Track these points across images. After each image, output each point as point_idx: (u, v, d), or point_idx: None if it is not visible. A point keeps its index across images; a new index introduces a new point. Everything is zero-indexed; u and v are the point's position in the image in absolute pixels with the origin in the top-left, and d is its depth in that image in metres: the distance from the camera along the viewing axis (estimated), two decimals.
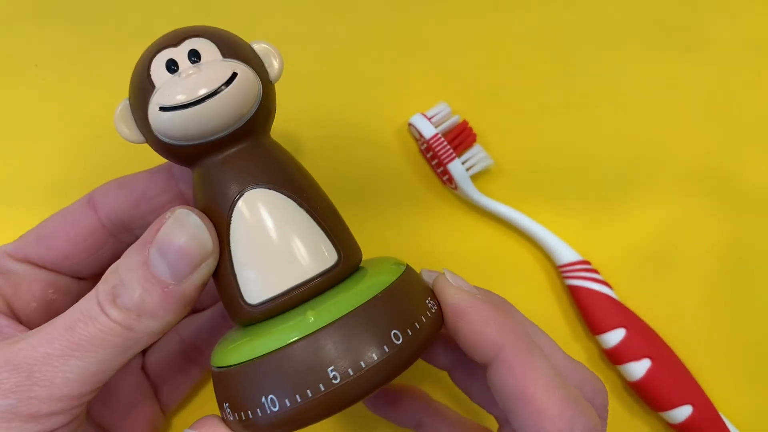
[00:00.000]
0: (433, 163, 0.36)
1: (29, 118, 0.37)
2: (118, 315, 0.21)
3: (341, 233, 0.24)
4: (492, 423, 0.27)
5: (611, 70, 0.38)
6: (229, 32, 0.23)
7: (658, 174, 0.37)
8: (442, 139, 0.34)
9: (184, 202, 0.27)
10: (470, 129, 0.35)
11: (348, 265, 0.23)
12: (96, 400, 0.26)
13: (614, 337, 0.33)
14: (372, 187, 0.36)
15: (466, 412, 0.30)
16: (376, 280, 0.22)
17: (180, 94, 0.21)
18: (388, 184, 0.37)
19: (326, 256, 0.23)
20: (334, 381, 0.20)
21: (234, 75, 0.21)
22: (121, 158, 0.32)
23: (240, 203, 0.22)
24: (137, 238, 0.22)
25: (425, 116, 0.35)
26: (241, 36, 0.24)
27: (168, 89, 0.21)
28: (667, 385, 0.33)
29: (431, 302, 0.23)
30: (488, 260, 0.36)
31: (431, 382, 0.34)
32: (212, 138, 0.22)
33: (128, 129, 0.23)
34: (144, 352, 0.32)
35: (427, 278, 0.25)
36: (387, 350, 0.21)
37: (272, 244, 0.22)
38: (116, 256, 0.23)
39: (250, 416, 0.21)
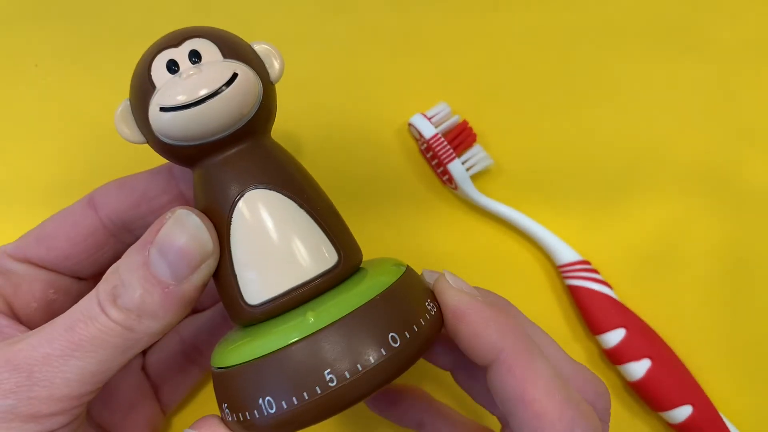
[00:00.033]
0: (433, 163, 0.36)
1: (29, 118, 0.37)
2: (118, 315, 0.21)
3: (341, 234, 0.24)
4: (495, 424, 0.27)
5: (611, 70, 0.38)
6: (229, 33, 0.23)
7: (658, 174, 0.37)
8: (442, 139, 0.34)
9: (185, 202, 0.27)
10: (470, 129, 0.35)
11: (348, 265, 0.23)
12: (96, 401, 0.26)
13: (614, 337, 0.33)
14: (372, 187, 0.36)
15: (468, 413, 0.30)
16: (377, 281, 0.22)
17: (181, 94, 0.21)
18: (388, 184, 0.37)
19: (326, 257, 0.23)
20: (333, 383, 0.20)
21: (234, 75, 0.21)
22: (122, 158, 0.32)
23: (240, 204, 0.22)
24: (138, 238, 0.22)
25: (425, 116, 0.35)
26: (241, 36, 0.24)
27: (168, 90, 0.21)
28: (667, 385, 0.33)
29: (431, 304, 0.23)
30: (488, 260, 0.36)
31: (433, 382, 0.34)
32: (213, 138, 0.22)
33: (129, 129, 0.23)
34: (144, 352, 0.32)
35: (429, 279, 0.25)
36: (386, 352, 0.20)
37: (272, 244, 0.22)
38: (117, 257, 0.23)
39: (249, 417, 0.21)
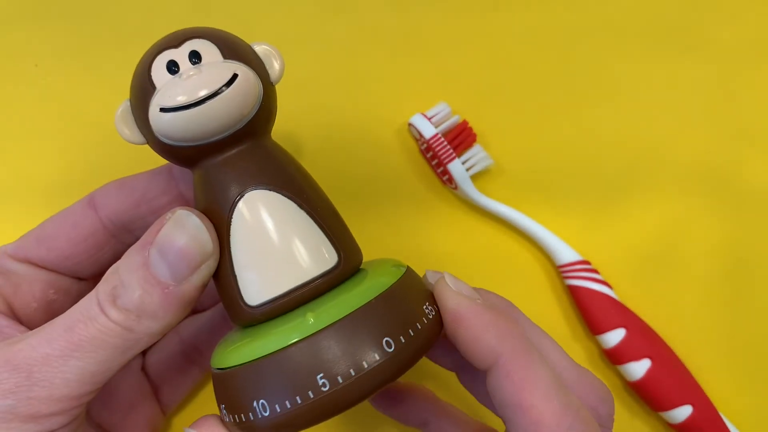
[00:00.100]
0: (433, 163, 0.36)
1: (29, 118, 0.37)
2: (117, 316, 0.21)
3: (342, 235, 0.24)
4: (500, 425, 0.27)
5: (611, 70, 0.38)
6: (229, 33, 0.23)
7: (658, 174, 0.37)
8: (442, 139, 0.34)
9: (185, 203, 0.27)
10: (470, 129, 0.35)
11: (348, 266, 0.23)
12: (96, 401, 0.26)
13: (614, 337, 0.33)
14: (372, 187, 0.36)
15: (473, 413, 0.30)
16: (376, 282, 0.22)
17: (181, 95, 0.21)
18: (388, 184, 0.37)
19: (326, 258, 0.23)
20: (332, 384, 0.20)
21: (235, 76, 0.21)
22: (122, 159, 0.32)
23: (240, 204, 0.22)
24: (138, 238, 0.22)
25: (425, 116, 0.35)
26: (241, 36, 0.24)
27: (169, 90, 0.21)
28: (667, 385, 0.33)
29: (430, 306, 0.23)
30: (488, 260, 0.36)
31: (438, 382, 0.34)
32: (213, 139, 0.22)
33: (129, 130, 0.23)
34: (144, 352, 0.32)
35: (432, 279, 0.25)
36: (385, 354, 0.20)
37: (272, 245, 0.22)
38: (117, 257, 0.23)
39: (248, 418, 0.21)
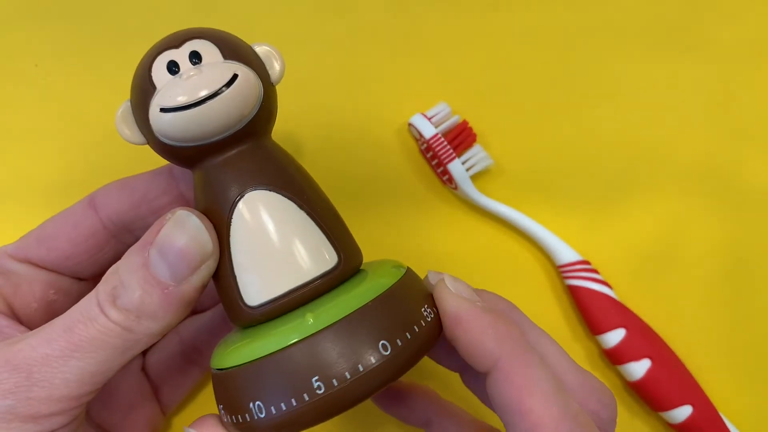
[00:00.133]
0: (433, 163, 0.36)
1: (29, 118, 0.37)
2: (117, 316, 0.21)
3: (342, 235, 0.24)
4: (502, 425, 0.27)
5: (611, 70, 0.38)
6: (230, 34, 0.23)
7: (658, 174, 0.37)
8: (442, 139, 0.34)
9: (185, 203, 0.27)
10: (470, 129, 0.35)
11: (348, 267, 0.23)
12: (96, 401, 0.26)
13: (614, 337, 0.33)
14: (372, 187, 0.36)
15: (476, 412, 0.30)
16: (376, 283, 0.22)
17: (181, 95, 0.21)
18: (388, 184, 0.37)
19: (326, 258, 0.23)
20: (331, 385, 0.20)
21: (235, 76, 0.21)
22: (122, 159, 0.32)
23: (240, 205, 0.22)
24: (138, 239, 0.22)
25: (425, 116, 0.35)
26: (240, 36, 0.24)
27: (169, 90, 0.21)
28: (667, 385, 0.33)
29: (430, 308, 0.23)
30: (488, 260, 0.36)
31: (441, 381, 0.34)
32: (213, 139, 0.22)
33: (129, 130, 0.23)
34: (144, 352, 0.32)
35: (433, 280, 0.24)
36: (384, 355, 0.20)
37: (272, 245, 0.22)
38: (117, 257, 0.23)
39: (246, 419, 0.21)
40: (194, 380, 0.33)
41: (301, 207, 0.23)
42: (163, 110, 0.21)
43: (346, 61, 0.38)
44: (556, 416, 0.20)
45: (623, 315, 0.34)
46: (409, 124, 0.36)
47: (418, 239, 0.36)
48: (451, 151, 0.34)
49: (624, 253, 0.36)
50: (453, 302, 0.22)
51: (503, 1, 0.39)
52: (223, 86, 0.21)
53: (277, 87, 0.24)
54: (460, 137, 0.35)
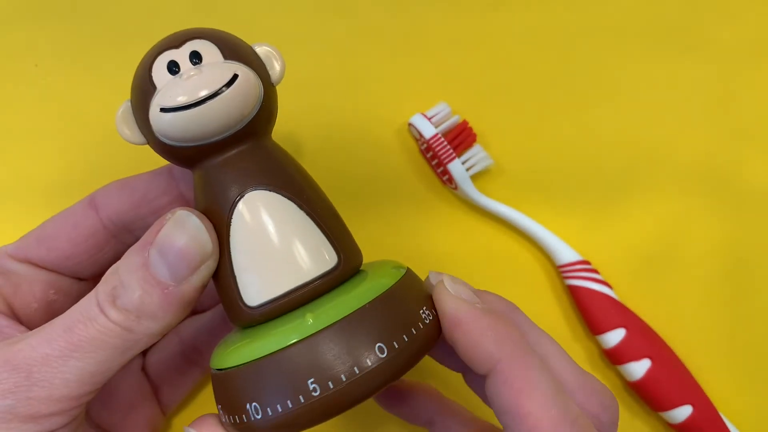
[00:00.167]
0: (433, 163, 0.36)
1: (29, 118, 0.37)
2: (117, 316, 0.21)
3: (342, 236, 0.24)
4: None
5: (611, 70, 0.38)
6: (230, 34, 0.23)
7: (658, 174, 0.37)
8: (442, 139, 0.34)
9: (185, 203, 0.27)
10: (470, 129, 0.35)
11: (348, 267, 0.23)
12: (96, 401, 0.26)
13: (614, 337, 0.33)
14: (372, 187, 0.36)
15: (479, 411, 0.30)
16: (375, 283, 0.22)
17: (181, 95, 0.21)
18: (388, 184, 0.37)
19: (326, 259, 0.23)
20: (328, 386, 0.20)
21: (235, 77, 0.21)
22: (122, 159, 0.33)
23: (240, 205, 0.22)
24: (138, 239, 0.22)
25: (425, 116, 0.35)
26: (240, 36, 0.24)
27: (169, 90, 0.21)
28: (667, 385, 0.33)
29: (429, 309, 0.23)
30: (488, 260, 0.36)
31: (444, 380, 0.34)
32: (213, 139, 0.22)
33: (129, 130, 0.23)
34: (144, 353, 0.32)
35: (434, 281, 0.24)
36: (382, 356, 0.20)
37: (272, 246, 0.22)
38: (117, 257, 0.23)
39: (245, 419, 0.21)
40: (194, 380, 0.33)
41: (301, 207, 0.23)
42: (163, 110, 0.21)
43: (346, 61, 0.38)
44: (555, 419, 0.20)
45: (623, 315, 0.34)
46: (409, 124, 0.36)
47: (418, 239, 0.36)
48: (451, 151, 0.34)
49: (624, 253, 0.36)
50: (452, 304, 0.22)
51: (503, 1, 0.39)
52: (223, 86, 0.21)
53: (277, 87, 0.24)
54: (460, 137, 0.35)
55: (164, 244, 0.21)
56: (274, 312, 0.22)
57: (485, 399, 0.26)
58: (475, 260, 0.36)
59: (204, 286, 0.23)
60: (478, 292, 0.25)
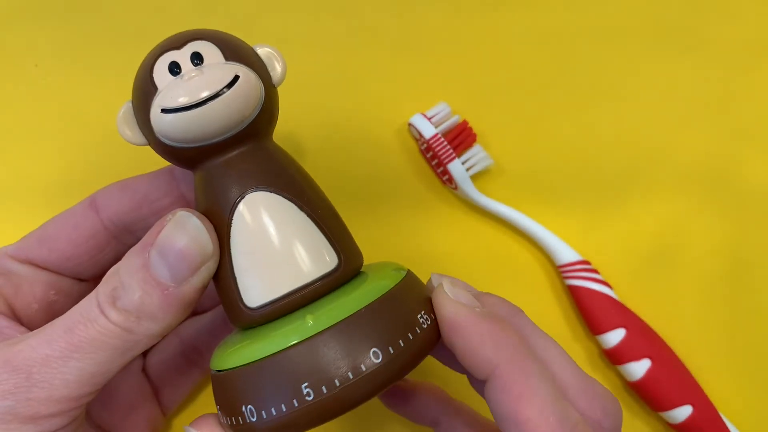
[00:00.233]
0: (433, 163, 0.36)
1: (29, 118, 0.37)
2: (117, 317, 0.21)
3: (342, 237, 0.24)
4: None
5: (611, 70, 0.38)
6: (232, 35, 0.23)
7: (658, 174, 0.37)
8: (442, 139, 0.34)
9: (186, 204, 0.27)
10: (470, 129, 0.35)
11: (348, 269, 0.23)
12: (96, 402, 0.26)
13: (614, 337, 0.33)
14: (372, 187, 0.36)
15: (486, 412, 0.30)
16: (376, 285, 0.22)
17: (182, 96, 0.21)
18: (388, 184, 0.37)
19: (327, 260, 0.23)
20: (326, 389, 0.20)
21: (236, 78, 0.21)
22: (122, 159, 0.33)
23: (241, 206, 0.22)
24: (139, 240, 0.22)
25: (425, 116, 0.35)
26: (240, 37, 0.24)
27: (170, 91, 0.21)
28: (667, 385, 0.33)
29: (428, 313, 0.23)
30: (488, 260, 0.36)
31: (451, 380, 0.34)
32: (214, 140, 0.22)
33: (131, 131, 0.23)
34: (145, 353, 0.32)
35: (436, 283, 0.24)
36: (381, 359, 0.20)
37: (272, 247, 0.22)
38: (118, 258, 0.23)
39: (240, 422, 0.21)
40: (194, 381, 0.33)
41: (301, 208, 0.23)
42: (164, 111, 0.21)
43: (346, 61, 0.38)
44: (554, 426, 0.20)
45: (623, 315, 0.34)
46: (409, 124, 0.36)
47: (418, 239, 0.36)
48: (451, 151, 0.34)
49: (624, 253, 0.36)
50: (450, 308, 0.22)
51: (503, 1, 0.39)
52: (224, 87, 0.21)
53: (277, 87, 0.24)
54: (460, 137, 0.35)
55: (165, 245, 0.21)
56: (274, 313, 0.22)
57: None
58: (475, 260, 0.36)
59: (204, 287, 0.23)
60: (480, 295, 0.24)
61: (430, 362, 0.26)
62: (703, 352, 0.35)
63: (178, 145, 0.22)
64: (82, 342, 0.21)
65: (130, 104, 0.23)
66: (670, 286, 0.36)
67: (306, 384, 0.20)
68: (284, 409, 0.20)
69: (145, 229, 0.23)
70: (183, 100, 0.21)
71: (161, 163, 0.25)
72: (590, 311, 0.34)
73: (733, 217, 0.37)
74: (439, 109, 0.36)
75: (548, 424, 0.20)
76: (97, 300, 0.21)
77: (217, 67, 0.22)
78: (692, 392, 0.33)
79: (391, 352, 0.21)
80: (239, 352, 0.22)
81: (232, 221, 0.22)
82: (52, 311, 0.27)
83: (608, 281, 0.35)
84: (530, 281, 0.36)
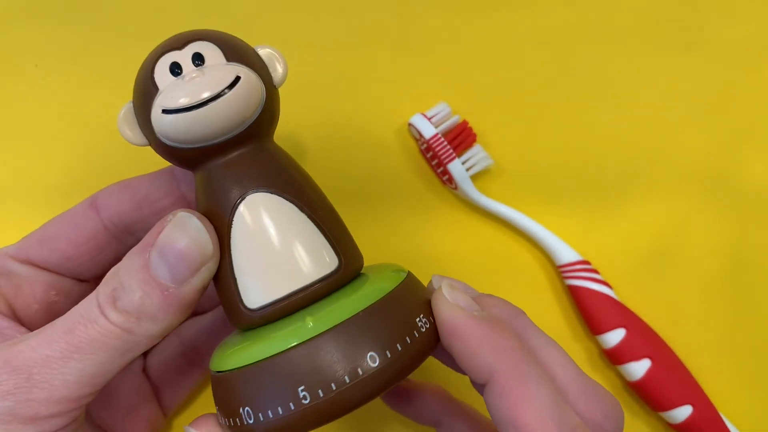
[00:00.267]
0: (433, 163, 0.36)
1: (29, 118, 0.37)
2: (117, 318, 0.21)
3: (342, 239, 0.24)
4: None
5: (611, 70, 0.38)
6: (233, 36, 0.23)
7: (658, 174, 0.37)
8: (442, 139, 0.34)
9: (187, 205, 0.27)
10: (470, 129, 0.35)
11: (349, 270, 0.23)
12: (96, 402, 0.26)
13: (614, 337, 0.33)
14: (372, 188, 0.36)
15: (487, 411, 0.30)
16: (376, 287, 0.22)
17: (183, 96, 0.21)
18: (388, 184, 0.37)
19: (327, 262, 0.23)
20: (322, 393, 0.20)
21: (237, 79, 0.21)
22: (122, 159, 0.33)
23: (241, 207, 0.22)
24: (139, 240, 0.22)
25: (425, 116, 0.35)
26: (240, 37, 0.24)
27: (171, 92, 0.21)
28: (667, 385, 0.33)
29: (427, 317, 0.23)
30: (488, 260, 0.36)
31: (451, 380, 0.34)
32: (215, 141, 0.22)
33: (131, 132, 0.23)
34: (145, 354, 0.32)
35: (437, 285, 0.24)
36: (380, 362, 0.20)
37: (273, 248, 0.22)
38: (118, 259, 0.23)
39: (237, 423, 0.21)
40: (195, 382, 0.33)
41: (302, 210, 0.23)
42: (165, 111, 0.21)
43: (346, 61, 0.38)
44: (553, 430, 0.20)
45: (623, 315, 0.34)
46: (409, 124, 0.36)
47: (417, 239, 0.36)
48: (451, 151, 0.34)
49: (624, 253, 0.36)
50: (449, 312, 0.22)
51: (503, 1, 0.39)
52: (225, 88, 0.21)
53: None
54: (460, 137, 0.35)
55: (165, 246, 0.21)
56: (274, 315, 0.22)
57: None
58: (475, 260, 0.36)
59: (204, 288, 0.22)
60: (481, 297, 0.24)
61: (432, 362, 0.26)
62: (703, 352, 0.35)
63: (179, 145, 0.22)
64: (82, 343, 0.21)
65: (131, 104, 0.23)
66: (670, 286, 0.36)
67: (303, 387, 0.20)
68: (281, 412, 0.20)
69: (146, 230, 0.23)
70: (184, 101, 0.21)
71: (162, 163, 0.25)
72: (590, 311, 0.34)
73: (733, 217, 0.37)
74: (439, 109, 0.36)
75: (547, 428, 0.19)
76: (97, 301, 0.21)
77: (219, 68, 0.22)
78: (692, 392, 0.33)
79: (389, 355, 0.21)
80: (238, 354, 0.22)
81: (233, 222, 0.22)
82: (52, 312, 0.27)
83: (608, 281, 0.35)
84: (530, 281, 0.36)
